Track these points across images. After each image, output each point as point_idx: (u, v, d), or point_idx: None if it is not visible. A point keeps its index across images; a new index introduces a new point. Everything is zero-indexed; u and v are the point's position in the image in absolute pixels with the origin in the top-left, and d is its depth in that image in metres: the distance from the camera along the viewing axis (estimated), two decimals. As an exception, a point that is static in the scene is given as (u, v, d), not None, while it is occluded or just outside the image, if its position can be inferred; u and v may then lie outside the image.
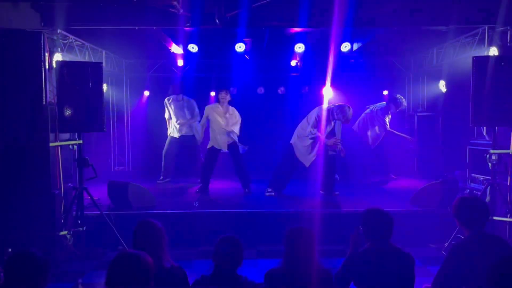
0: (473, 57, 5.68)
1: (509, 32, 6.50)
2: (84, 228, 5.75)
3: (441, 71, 9.27)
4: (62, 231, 5.42)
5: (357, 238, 3.27)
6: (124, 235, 5.61)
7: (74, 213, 5.77)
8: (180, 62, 9.90)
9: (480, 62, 5.60)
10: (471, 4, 6.62)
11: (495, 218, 5.70)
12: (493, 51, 6.50)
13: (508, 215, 5.61)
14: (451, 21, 6.78)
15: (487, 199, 5.81)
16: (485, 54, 6.54)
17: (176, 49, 9.41)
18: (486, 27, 6.80)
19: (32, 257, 2.58)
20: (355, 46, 9.85)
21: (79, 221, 5.76)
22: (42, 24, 6.66)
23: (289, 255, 2.98)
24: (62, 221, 5.47)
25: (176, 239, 5.46)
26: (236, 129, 7.78)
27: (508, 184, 5.76)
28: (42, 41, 5.21)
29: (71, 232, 5.61)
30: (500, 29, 6.51)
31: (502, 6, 5.99)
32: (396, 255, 3.09)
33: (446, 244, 5.64)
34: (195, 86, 10.52)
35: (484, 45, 6.88)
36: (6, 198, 5.19)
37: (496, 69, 5.50)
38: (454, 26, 6.96)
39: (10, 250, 3.94)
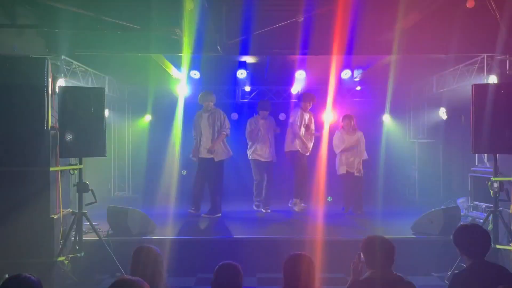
0: (472, 85, 5.72)
1: (508, 60, 6.57)
2: (83, 253, 5.69)
3: (441, 98, 9.33)
4: (60, 256, 5.36)
5: (358, 266, 3.22)
6: (123, 261, 5.53)
7: (73, 238, 5.72)
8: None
9: (480, 89, 5.64)
10: (470, 33, 6.71)
11: (498, 246, 5.63)
12: (493, 79, 6.56)
13: (511, 243, 5.54)
14: (451, 49, 6.86)
15: (490, 227, 5.75)
16: (485, 81, 6.60)
17: (177, 74, 9.52)
18: (485, 55, 6.88)
19: (27, 281, 2.55)
20: (356, 73, 9.95)
21: (78, 247, 5.70)
22: (47, 50, 6.75)
23: (288, 283, 2.93)
24: (60, 246, 5.42)
25: (174, 265, 5.39)
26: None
27: (511, 212, 5.71)
28: (46, 67, 5.28)
29: (69, 257, 5.55)
30: (499, 57, 6.58)
31: (501, 34, 6.07)
32: (398, 283, 3.04)
33: (448, 273, 5.55)
34: (196, 112, 10.58)
35: (484, 73, 6.94)
36: (4, 222, 5.16)
37: (496, 96, 5.53)
38: (453, 55, 7.04)
39: (6, 275, 3.89)
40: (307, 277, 2.91)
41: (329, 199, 9.34)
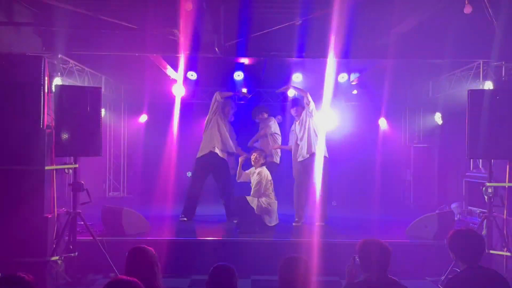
0: (468, 90, 5.75)
1: (503, 66, 6.61)
2: (76, 253, 5.66)
3: (437, 103, 9.38)
4: (53, 256, 5.33)
5: (353, 269, 3.21)
6: (117, 262, 5.51)
7: (67, 238, 5.69)
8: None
9: (476, 95, 5.67)
10: (466, 39, 6.75)
11: (491, 252, 5.66)
12: (488, 85, 6.59)
13: (505, 249, 5.57)
14: (447, 54, 6.90)
15: (484, 232, 5.77)
16: (480, 87, 6.63)
17: (174, 74, 9.48)
18: (481, 61, 6.92)
19: (21, 281, 2.53)
20: (352, 77, 9.98)
21: (71, 247, 5.67)
22: (44, 48, 6.73)
23: (284, 285, 2.93)
24: (54, 246, 5.39)
25: (169, 266, 5.39)
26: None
27: (505, 217, 5.73)
28: (42, 65, 5.25)
29: (63, 257, 5.51)
30: (495, 63, 6.62)
31: (496, 41, 6.11)
32: (393, 287, 3.04)
33: (442, 278, 5.57)
34: (193, 113, 10.60)
35: (479, 79, 6.98)
36: (-2, 221, 5.13)
37: (491, 102, 5.56)
38: (449, 60, 7.08)
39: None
40: (303, 280, 2.90)
41: (334, 203, 9.28)
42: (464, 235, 3.27)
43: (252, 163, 7.19)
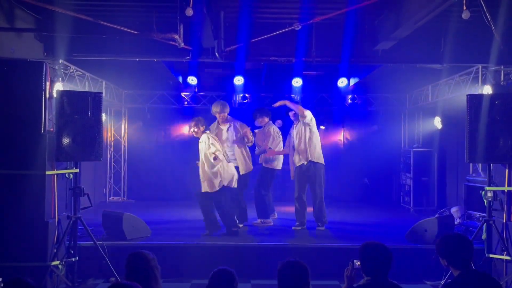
0: (467, 95, 5.78)
1: (502, 71, 6.63)
2: (77, 258, 5.67)
3: (436, 108, 9.40)
4: (54, 261, 5.34)
5: (352, 272, 3.22)
6: (118, 266, 5.52)
7: (67, 242, 5.70)
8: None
9: (475, 100, 5.70)
10: (465, 43, 6.78)
11: (491, 255, 5.67)
12: (487, 90, 6.62)
13: (505, 253, 5.58)
14: (446, 59, 6.93)
15: (483, 236, 5.78)
16: (479, 92, 6.66)
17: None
18: (480, 66, 6.95)
19: (24, 286, 2.55)
20: (352, 81, 10.02)
21: (72, 251, 5.68)
22: (45, 54, 6.76)
23: (283, 290, 2.94)
24: (55, 250, 5.40)
25: (169, 271, 5.40)
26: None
27: (504, 221, 5.75)
28: (44, 71, 5.29)
29: (64, 262, 5.52)
30: (494, 68, 6.65)
31: (495, 45, 6.14)
32: (392, 291, 3.04)
33: (442, 281, 5.58)
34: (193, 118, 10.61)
35: (478, 83, 7.01)
36: (-1, 226, 5.14)
37: (491, 107, 5.59)
38: (448, 65, 7.11)
39: (0, 279, 3.87)
40: (302, 284, 2.91)
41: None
42: (452, 239, 3.26)
43: (194, 135, 6.93)
